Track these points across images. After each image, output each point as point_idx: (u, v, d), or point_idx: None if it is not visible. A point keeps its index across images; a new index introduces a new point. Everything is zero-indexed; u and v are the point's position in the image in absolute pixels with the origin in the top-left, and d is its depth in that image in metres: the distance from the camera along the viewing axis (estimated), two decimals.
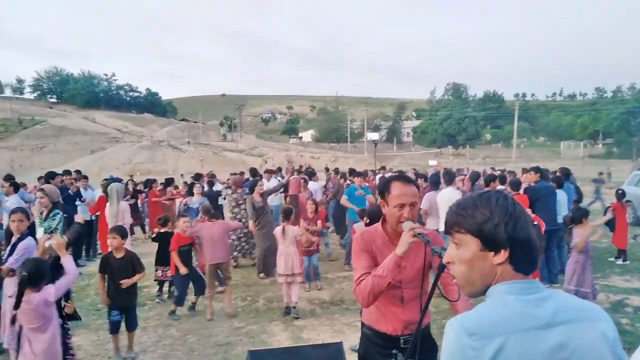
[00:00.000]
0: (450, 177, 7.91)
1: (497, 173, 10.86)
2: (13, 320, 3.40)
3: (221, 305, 6.58)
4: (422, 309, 2.14)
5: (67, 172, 10.72)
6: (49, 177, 9.03)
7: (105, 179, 11.39)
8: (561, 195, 7.94)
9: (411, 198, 2.36)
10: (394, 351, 2.29)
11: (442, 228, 7.38)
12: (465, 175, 11.82)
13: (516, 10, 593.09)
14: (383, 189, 2.45)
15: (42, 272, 3.44)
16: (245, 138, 74.46)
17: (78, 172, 13.58)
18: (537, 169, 8.12)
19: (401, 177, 2.50)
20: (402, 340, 2.40)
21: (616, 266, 8.53)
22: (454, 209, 1.36)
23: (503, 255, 1.26)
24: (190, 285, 6.41)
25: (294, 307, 6.25)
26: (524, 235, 1.25)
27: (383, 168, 16.67)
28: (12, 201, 7.93)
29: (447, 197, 7.02)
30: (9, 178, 9.42)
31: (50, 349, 3.47)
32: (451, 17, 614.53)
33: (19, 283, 3.33)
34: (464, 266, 1.32)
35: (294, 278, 6.27)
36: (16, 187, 8.55)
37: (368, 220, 4.94)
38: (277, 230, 6.50)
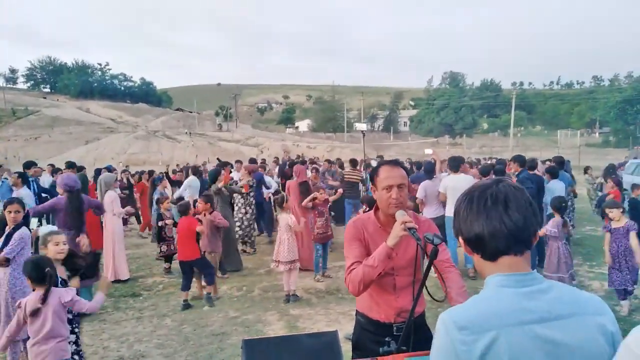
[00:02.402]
0: (455, 163, 7.54)
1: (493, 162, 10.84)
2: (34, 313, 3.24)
3: (216, 295, 6.59)
4: (415, 297, 2.14)
5: (71, 165, 10.64)
6: (26, 167, 8.92)
7: (98, 169, 11.31)
8: (557, 185, 7.91)
9: (398, 179, 2.38)
10: (387, 338, 2.28)
11: (448, 213, 7.13)
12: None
13: None
14: (372, 175, 2.50)
15: (43, 269, 3.29)
16: (241, 128, 74.16)
17: (72, 164, 13.47)
18: (516, 158, 7.75)
19: (388, 161, 2.56)
20: (394, 328, 2.40)
21: None
22: None
23: (463, 246, 1.34)
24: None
25: (293, 295, 6.36)
26: (465, 225, 1.29)
27: (381, 157, 16.71)
28: (22, 193, 7.89)
29: (463, 184, 6.58)
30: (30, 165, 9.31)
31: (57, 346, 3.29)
32: (448, 4, 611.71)
33: (49, 278, 3.22)
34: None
35: (292, 265, 6.40)
36: (24, 178, 8.45)
37: (367, 208, 4.93)
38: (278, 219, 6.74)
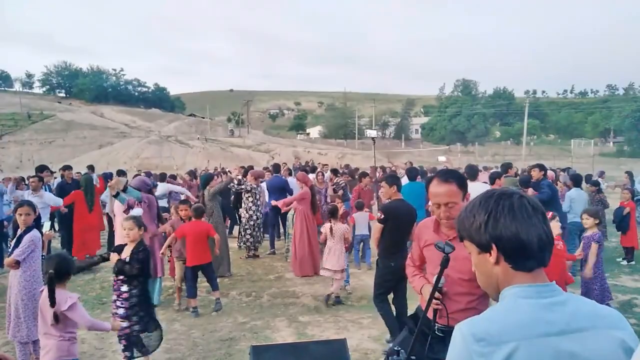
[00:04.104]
0: (473, 172, 7.78)
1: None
2: (56, 319, 3.34)
3: (226, 301, 6.59)
4: (427, 303, 2.12)
5: (67, 167, 10.76)
6: (39, 170, 9.03)
7: (86, 173, 11.25)
8: (577, 194, 7.88)
9: (445, 198, 2.41)
10: (396, 347, 2.26)
11: None
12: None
13: (527, 6, 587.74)
14: (427, 185, 2.63)
15: (68, 266, 3.50)
16: (252, 134, 74.44)
17: (91, 167, 13.63)
18: (540, 167, 7.93)
19: (439, 174, 2.55)
20: (436, 327, 2.45)
21: (625, 266, 8.42)
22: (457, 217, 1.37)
23: (493, 255, 1.23)
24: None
25: (337, 297, 6.52)
26: (508, 232, 1.19)
27: (410, 163, 16.56)
28: (45, 196, 8.05)
29: (481, 191, 6.83)
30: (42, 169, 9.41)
31: (63, 345, 3.42)
32: (461, 12, 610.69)
33: (48, 281, 3.35)
34: (476, 271, 1.32)
35: (341, 274, 6.56)
36: (43, 181, 8.55)
37: (382, 216, 4.88)
38: (326, 228, 6.74)
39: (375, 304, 5.01)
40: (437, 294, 2.36)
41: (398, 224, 4.80)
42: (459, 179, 2.45)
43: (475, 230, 1.25)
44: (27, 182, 10.26)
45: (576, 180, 8.20)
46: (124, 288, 4.28)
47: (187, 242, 6.18)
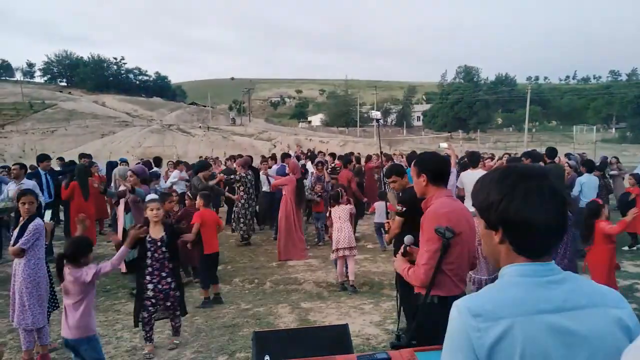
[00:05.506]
0: (474, 159, 7.70)
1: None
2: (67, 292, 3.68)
3: (229, 288, 6.63)
4: (427, 287, 2.13)
5: (84, 155, 10.83)
6: (39, 160, 9.04)
7: (82, 162, 11.19)
8: (588, 179, 7.88)
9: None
10: (396, 332, 2.27)
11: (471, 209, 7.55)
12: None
13: None
14: None
15: (79, 249, 3.72)
16: (254, 122, 74.19)
17: (89, 156, 13.65)
18: (527, 154, 7.86)
19: None
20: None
21: (627, 251, 8.43)
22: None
23: (498, 235, 1.23)
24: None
25: (352, 285, 6.49)
26: (519, 217, 1.17)
27: (414, 152, 16.61)
28: (29, 184, 8.02)
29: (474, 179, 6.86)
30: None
31: (82, 321, 3.69)
32: None
33: (56, 260, 3.66)
34: (482, 240, 1.33)
35: (351, 252, 6.56)
36: (26, 170, 8.54)
37: (404, 209, 4.81)
38: (333, 213, 6.87)
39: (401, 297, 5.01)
40: (402, 250, 2.79)
41: (415, 214, 4.70)
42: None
43: (486, 208, 1.24)
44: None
45: (588, 166, 8.29)
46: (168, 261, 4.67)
47: (204, 230, 6.04)
